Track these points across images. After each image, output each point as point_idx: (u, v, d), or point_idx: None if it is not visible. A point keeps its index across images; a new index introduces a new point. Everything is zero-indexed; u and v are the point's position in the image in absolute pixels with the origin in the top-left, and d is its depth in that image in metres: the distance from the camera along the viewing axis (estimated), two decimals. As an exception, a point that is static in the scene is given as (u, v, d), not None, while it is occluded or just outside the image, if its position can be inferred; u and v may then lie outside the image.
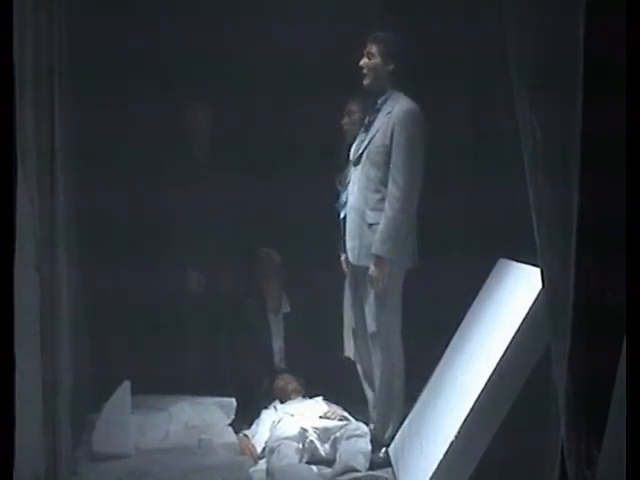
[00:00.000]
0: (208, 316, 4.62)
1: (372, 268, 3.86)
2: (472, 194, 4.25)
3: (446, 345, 3.96)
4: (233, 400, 4.41)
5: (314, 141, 4.21)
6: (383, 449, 3.93)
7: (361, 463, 3.75)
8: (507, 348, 3.23)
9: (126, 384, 4.21)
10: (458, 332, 3.94)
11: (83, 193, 4.15)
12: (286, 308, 4.75)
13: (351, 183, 4.01)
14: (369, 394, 4.13)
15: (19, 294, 2.09)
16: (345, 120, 4.32)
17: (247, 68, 4.68)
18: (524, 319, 3.21)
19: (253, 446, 4.13)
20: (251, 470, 3.88)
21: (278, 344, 4.71)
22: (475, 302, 3.95)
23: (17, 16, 2.47)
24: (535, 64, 2.40)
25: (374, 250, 3.85)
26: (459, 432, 3.21)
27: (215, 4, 4.57)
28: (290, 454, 3.85)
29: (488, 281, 3.96)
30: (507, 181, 3.75)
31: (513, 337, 3.23)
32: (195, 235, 4.53)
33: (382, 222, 3.83)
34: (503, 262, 3.92)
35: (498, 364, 3.23)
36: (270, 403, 4.45)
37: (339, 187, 4.20)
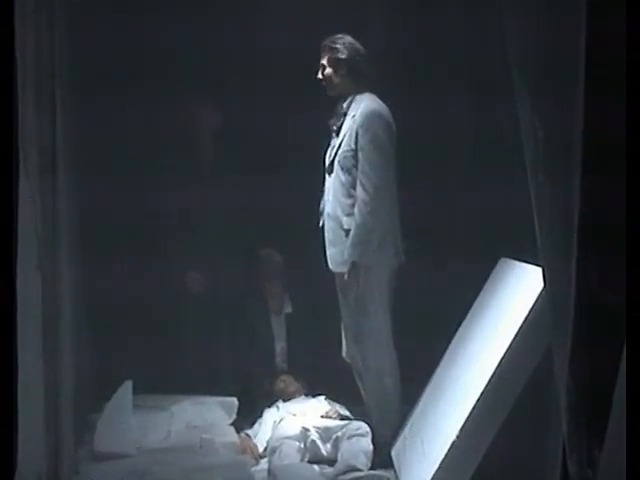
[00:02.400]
0: (210, 316, 4.62)
1: (347, 274, 3.83)
2: (473, 193, 4.25)
3: (447, 345, 3.96)
4: (235, 399, 4.40)
5: (317, 141, 4.19)
6: (384, 448, 3.93)
7: (363, 462, 3.75)
8: (508, 348, 3.22)
9: (128, 384, 4.20)
10: (459, 332, 3.93)
11: (84, 193, 4.15)
12: (288, 309, 4.75)
13: (326, 190, 3.98)
14: (364, 394, 4.11)
15: (21, 294, 2.10)
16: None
17: (249, 68, 4.67)
18: (526, 319, 3.20)
19: (255, 445, 4.13)
20: (253, 470, 3.89)
21: (280, 345, 4.69)
22: (477, 301, 3.95)
23: (18, 16, 2.47)
24: (536, 64, 2.40)
25: (347, 256, 3.81)
26: (461, 432, 3.21)
27: (216, 4, 4.57)
28: (292, 454, 3.85)
29: (490, 280, 3.96)
30: (508, 180, 3.76)
31: (515, 337, 3.22)
32: (197, 235, 4.53)
33: (352, 227, 3.79)
34: (505, 261, 3.92)
35: (499, 364, 3.23)
36: (272, 402, 4.45)
37: None
